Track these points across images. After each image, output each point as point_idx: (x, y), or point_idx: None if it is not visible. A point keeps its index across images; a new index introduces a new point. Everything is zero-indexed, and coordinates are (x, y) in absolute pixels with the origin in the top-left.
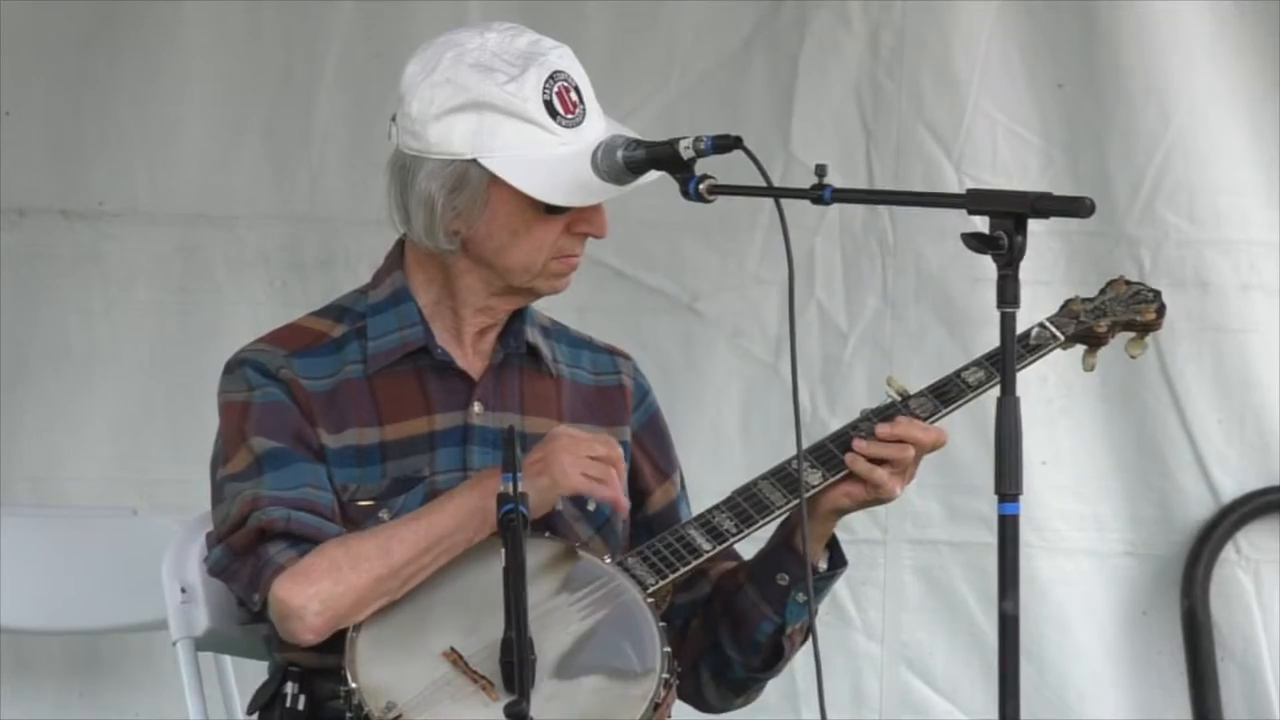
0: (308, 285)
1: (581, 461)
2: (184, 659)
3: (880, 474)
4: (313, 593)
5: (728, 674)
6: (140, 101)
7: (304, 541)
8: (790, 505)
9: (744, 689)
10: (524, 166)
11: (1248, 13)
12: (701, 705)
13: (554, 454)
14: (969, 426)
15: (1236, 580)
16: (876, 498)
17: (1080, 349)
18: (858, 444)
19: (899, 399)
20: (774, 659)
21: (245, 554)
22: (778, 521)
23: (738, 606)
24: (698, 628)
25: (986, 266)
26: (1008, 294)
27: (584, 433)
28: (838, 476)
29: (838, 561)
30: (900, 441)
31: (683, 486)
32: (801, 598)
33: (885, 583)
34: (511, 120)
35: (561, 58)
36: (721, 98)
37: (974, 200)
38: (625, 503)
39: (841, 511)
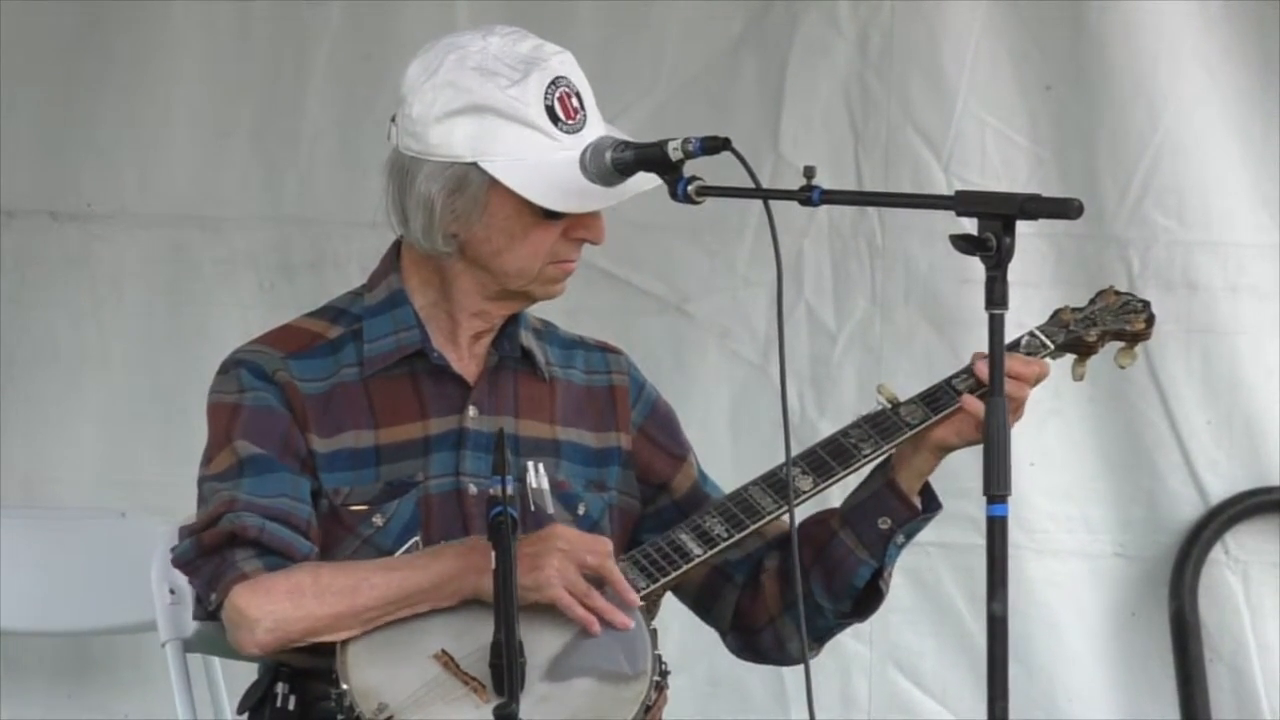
0: (296, 287)
1: (568, 572)
2: (173, 660)
3: None
4: (269, 610)
5: (816, 621)
6: (129, 103)
7: (272, 554)
8: (781, 510)
9: (828, 636)
10: (524, 171)
11: (1236, 14)
12: (781, 658)
13: (546, 554)
14: None
15: (1225, 581)
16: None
17: (1070, 358)
18: (980, 369)
19: (889, 406)
20: (866, 603)
21: (212, 553)
22: (766, 525)
23: (832, 554)
24: (772, 581)
25: (975, 268)
26: (996, 295)
27: (580, 536)
28: (828, 483)
29: (931, 505)
30: (1008, 376)
31: (699, 465)
32: (901, 540)
33: None
34: (513, 125)
35: (564, 63)
36: (710, 99)
37: (962, 202)
38: (597, 629)
39: (947, 448)
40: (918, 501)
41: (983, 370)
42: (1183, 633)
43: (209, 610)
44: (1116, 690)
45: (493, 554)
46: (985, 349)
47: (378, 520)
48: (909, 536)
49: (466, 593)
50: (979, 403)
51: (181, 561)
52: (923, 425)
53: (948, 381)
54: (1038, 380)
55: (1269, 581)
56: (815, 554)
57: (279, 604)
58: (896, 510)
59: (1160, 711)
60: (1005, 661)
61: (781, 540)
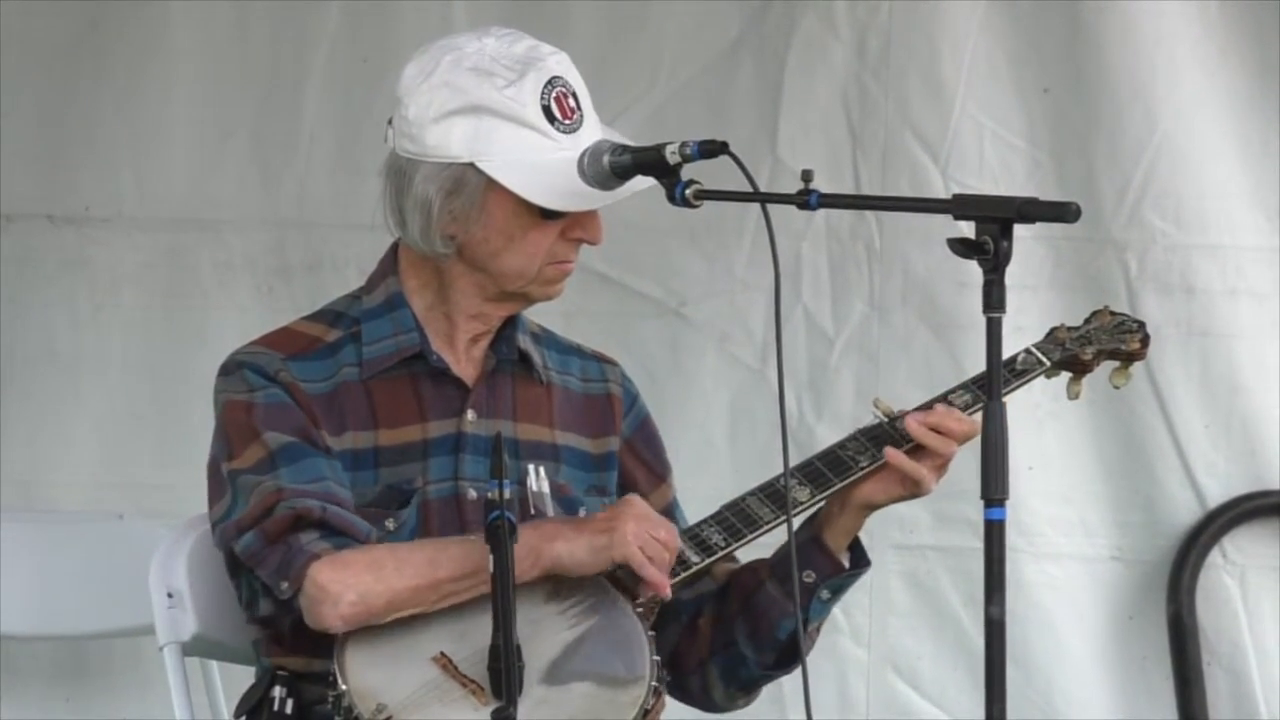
0: (294, 290)
1: (643, 536)
2: (171, 664)
3: (922, 469)
4: (353, 583)
5: (740, 671)
6: (127, 106)
7: (337, 534)
8: (778, 521)
9: (754, 686)
10: (521, 171)
11: (1233, 16)
12: (706, 704)
13: (622, 519)
14: None
15: (1223, 585)
16: (913, 493)
17: (1065, 376)
18: (910, 424)
19: (886, 420)
20: (790, 657)
21: (277, 540)
22: (765, 536)
23: (758, 603)
24: (709, 625)
25: (973, 271)
26: (994, 299)
27: (654, 513)
28: (826, 494)
29: (859, 561)
30: (937, 431)
31: (675, 491)
32: (825, 595)
33: (872, 588)
34: (510, 124)
35: (560, 64)
36: (708, 102)
37: (960, 205)
38: (669, 592)
39: (873, 506)
40: (845, 558)
41: (912, 427)
42: (1180, 636)
43: (282, 599)
44: (1114, 693)
45: (491, 557)
46: (982, 354)
47: (390, 524)
48: (834, 592)
49: (547, 563)
50: (904, 457)
51: (248, 554)
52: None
53: (944, 396)
54: (967, 438)
55: (1267, 585)
56: (743, 602)
57: (361, 577)
58: (821, 565)
59: (1158, 714)
60: (1003, 665)
61: (735, 584)
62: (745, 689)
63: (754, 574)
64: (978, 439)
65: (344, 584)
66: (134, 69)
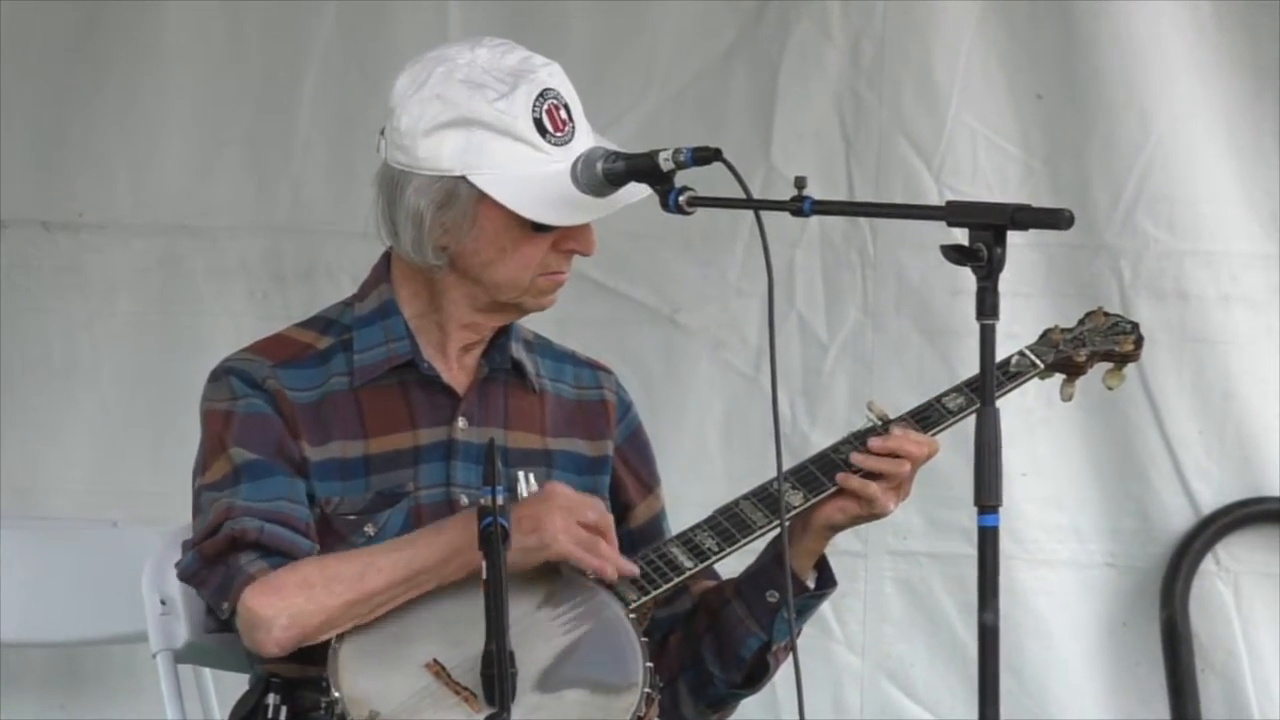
0: (288, 296)
1: (573, 527)
2: (164, 671)
3: (874, 489)
4: (283, 606)
5: (708, 689)
6: (121, 113)
7: (275, 554)
8: (771, 525)
9: (722, 705)
10: (513, 184)
11: (1228, 21)
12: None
13: (547, 514)
14: (950, 438)
15: (1216, 592)
16: (871, 513)
17: (1059, 378)
18: (855, 458)
19: (879, 423)
20: (756, 676)
21: (216, 562)
22: (759, 541)
23: (724, 621)
24: (678, 642)
25: (967, 278)
26: (987, 306)
27: (577, 494)
28: (819, 497)
29: (826, 582)
30: (893, 455)
31: (664, 503)
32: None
33: (866, 594)
34: (501, 138)
35: (552, 75)
36: (702, 108)
37: (953, 212)
38: (612, 572)
39: (835, 527)
40: (811, 579)
41: (859, 459)
42: (1174, 642)
43: (222, 620)
44: (1108, 700)
45: (484, 564)
46: (976, 361)
47: (369, 530)
48: (799, 613)
49: (473, 565)
50: (854, 478)
51: (187, 574)
52: None
53: (938, 399)
54: (926, 459)
55: (1260, 591)
56: (710, 620)
57: (291, 599)
58: (784, 586)
59: None
60: (997, 671)
61: (702, 602)
62: (714, 706)
63: (720, 593)
64: (974, 442)
65: (276, 608)
66: (129, 75)
